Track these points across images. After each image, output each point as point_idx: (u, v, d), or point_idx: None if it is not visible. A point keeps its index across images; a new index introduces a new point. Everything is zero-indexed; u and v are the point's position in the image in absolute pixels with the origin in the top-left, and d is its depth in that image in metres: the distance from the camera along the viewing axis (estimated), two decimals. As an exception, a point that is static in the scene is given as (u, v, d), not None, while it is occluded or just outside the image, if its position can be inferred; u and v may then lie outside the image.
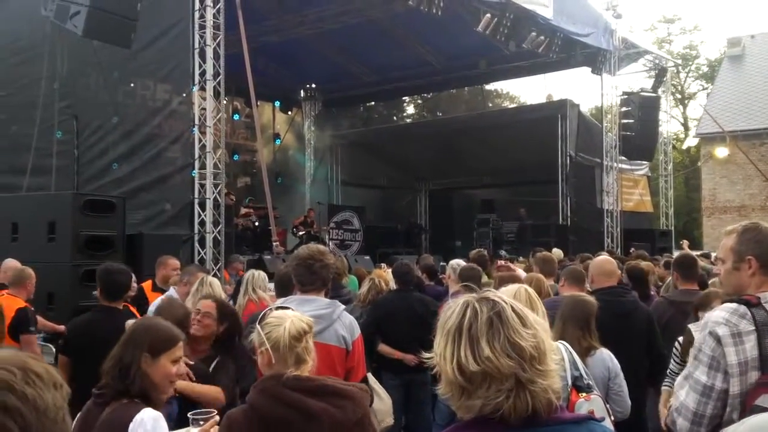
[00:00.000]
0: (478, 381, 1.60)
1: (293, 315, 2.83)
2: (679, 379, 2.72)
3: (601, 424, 1.83)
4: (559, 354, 3.19)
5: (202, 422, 2.79)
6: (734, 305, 2.57)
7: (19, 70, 10.71)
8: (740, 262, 2.69)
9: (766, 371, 2.46)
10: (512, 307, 1.68)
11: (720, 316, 2.55)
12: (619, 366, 4.11)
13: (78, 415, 2.81)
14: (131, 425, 2.62)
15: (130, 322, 3.59)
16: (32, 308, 5.89)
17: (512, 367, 1.60)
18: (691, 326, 3.51)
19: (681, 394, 2.62)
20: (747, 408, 2.43)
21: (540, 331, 1.68)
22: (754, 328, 2.50)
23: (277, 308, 2.94)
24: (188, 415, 2.85)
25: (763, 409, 2.36)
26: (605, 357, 4.08)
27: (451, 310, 1.70)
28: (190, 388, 3.66)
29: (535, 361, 1.62)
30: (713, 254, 11.88)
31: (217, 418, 2.85)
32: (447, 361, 1.64)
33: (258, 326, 2.79)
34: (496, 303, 1.68)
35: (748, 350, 2.48)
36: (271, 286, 6.12)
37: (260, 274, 6.37)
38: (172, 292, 5.91)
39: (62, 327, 6.68)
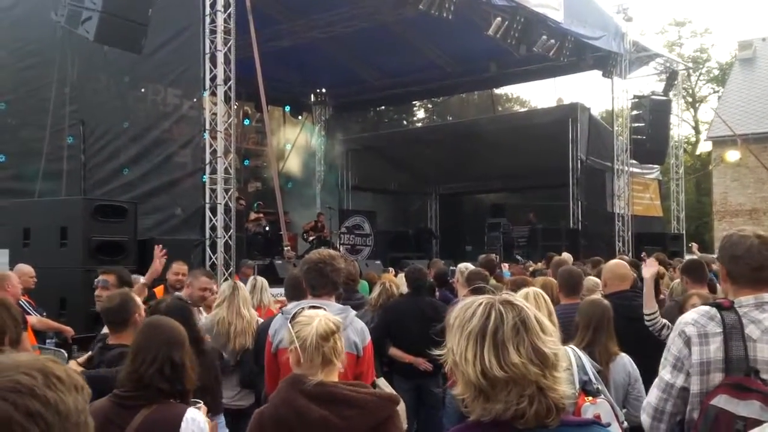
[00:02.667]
0: (500, 386, 1.60)
1: (323, 314, 2.83)
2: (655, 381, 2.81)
3: (606, 428, 1.86)
4: (567, 359, 3.19)
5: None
6: (706, 308, 2.67)
7: (29, 75, 10.72)
8: (720, 270, 2.79)
9: (730, 373, 2.50)
10: (534, 313, 1.68)
11: (690, 317, 2.66)
12: (638, 371, 4.10)
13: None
14: (183, 424, 2.71)
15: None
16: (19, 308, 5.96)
17: (537, 374, 1.60)
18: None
19: (649, 392, 2.75)
20: (704, 407, 2.49)
21: (556, 339, 1.69)
22: (721, 330, 2.56)
23: (310, 307, 2.92)
24: None
25: (716, 409, 2.44)
26: (626, 362, 4.10)
27: (471, 310, 1.68)
28: None
29: (554, 369, 1.63)
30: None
31: (205, 408, 2.96)
32: (469, 363, 1.62)
33: (289, 324, 2.79)
34: (521, 309, 1.67)
35: (712, 351, 2.54)
36: (281, 290, 6.12)
37: (264, 282, 6.37)
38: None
39: (69, 329, 6.69)
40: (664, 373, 2.66)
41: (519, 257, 15.75)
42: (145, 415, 2.72)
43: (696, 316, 2.63)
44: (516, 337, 1.61)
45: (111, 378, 3.08)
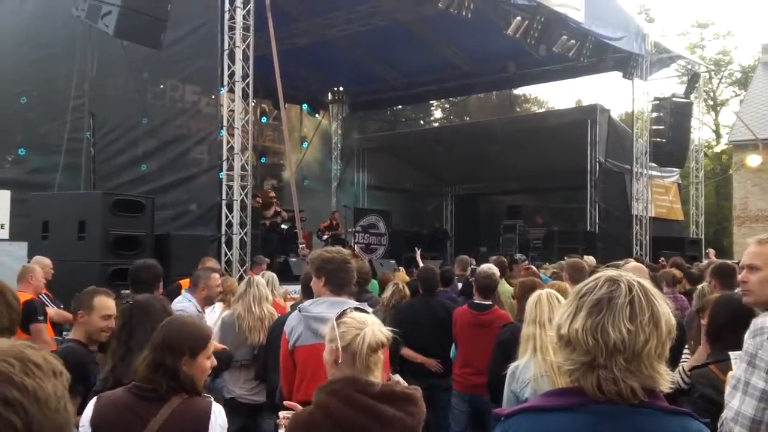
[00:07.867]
0: (563, 342, 1.78)
1: (373, 323, 2.78)
2: (728, 389, 2.64)
3: (697, 422, 1.79)
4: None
5: None
6: None
7: (50, 70, 10.77)
8: None
9: None
10: (634, 298, 1.73)
11: None
12: None
13: (101, 405, 2.82)
14: (212, 417, 2.83)
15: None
16: (40, 300, 6.08)
17: (592, 347, 1.70)
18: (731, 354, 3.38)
19: (734, 403, 2.54)
20: None
21: (644, 334, 1.70)
22: None
23: (355, 309, 2.89)
24: (278, 420, 3.06)
25: None
26: None
27: (585, 283, 1.84)
28: None
29: (620, 355, 1.68)
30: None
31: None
32: (587, 331, 1.73)
33: (334, 321, 2.75)
34: (625, 286, 1.75)
35: None
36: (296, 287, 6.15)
37: (271, 276, 6.42)
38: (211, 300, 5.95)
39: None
40: (757, 381, 2.48)
41: (518, 256, 15.54)
42: (173, 407, 2.76)
43: None
44: (595, 308, 1.74)
45: None
